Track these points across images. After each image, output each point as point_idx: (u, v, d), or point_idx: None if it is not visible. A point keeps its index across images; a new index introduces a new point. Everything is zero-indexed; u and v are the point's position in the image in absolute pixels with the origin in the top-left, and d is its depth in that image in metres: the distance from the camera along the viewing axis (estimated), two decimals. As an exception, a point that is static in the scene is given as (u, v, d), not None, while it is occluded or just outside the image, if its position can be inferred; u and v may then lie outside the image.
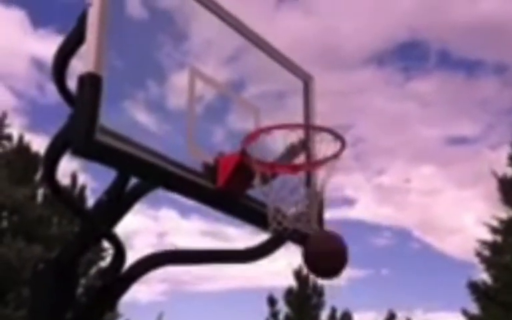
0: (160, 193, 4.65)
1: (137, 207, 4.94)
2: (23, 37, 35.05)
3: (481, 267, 20.69)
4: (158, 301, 34.64)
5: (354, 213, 41.74)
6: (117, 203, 4.82)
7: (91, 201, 19.10)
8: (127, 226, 5.27)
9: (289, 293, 29.26)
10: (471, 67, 43.55)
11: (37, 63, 34.14)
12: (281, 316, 29.00)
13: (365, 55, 43.38)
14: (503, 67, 39.94)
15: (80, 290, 15.18)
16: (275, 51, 5.28)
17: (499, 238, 20.50)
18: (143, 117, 4.33)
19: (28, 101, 35.56)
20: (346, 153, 4.30)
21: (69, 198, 9.26)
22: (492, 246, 20.40)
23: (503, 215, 20.37)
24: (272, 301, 29.04)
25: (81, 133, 3.56)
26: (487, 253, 20.44)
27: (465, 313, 20.69)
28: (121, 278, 4.86)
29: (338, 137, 4.27)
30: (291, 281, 29.48)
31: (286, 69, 5.43)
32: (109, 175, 4.77)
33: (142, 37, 4.41)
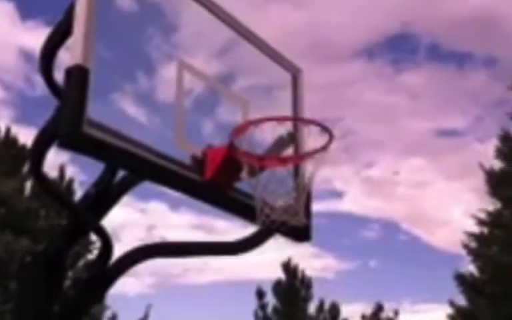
0: (149, 185, 4.64)
1: (126, 200, 4.94)
2: (11, 28, 34.78)
3: (468, 258, 20.87)
4: (146, 293, 34.66)
5: (343, 205, 41.92)
6: (105, 195, 4.81)
7: (79, 194, 19.03)
8: (115, 219, 5.26)
9: (277, 285, 29.36)
10: (460, 60, 43.80)
11: (25, 55, 33.92)
12: (269, 308, 29.12)
13: (355, 47, 43.43)
14: (492, 60, 40.19)
15: (67, 282, 15.14)
16: (263, 43, 5.28)
17: (485, 230, 20.66)
18: (132, 109, 4.32)
19: (16, 93, 35.38)
20: (335, 145, 4.31)
21: (56, 191, 9.21)
22: (479, 238, 20.56)
23: (490, 207, 20.54)
24: (260, 294, 29.14)
25: (68, 125, 3.55)
26: (474, 244, 20.59)
27: (451, 304, 20.85)
28: (109, 270, 4.85)
29: (326, 129, 4.28)
30: (279, 274, 29.61)
31: (275, 62, 5.42)
32: (97, 167, 4.76)
33: (131, 28, 4.39)
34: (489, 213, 20.41)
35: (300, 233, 5.07)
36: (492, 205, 20.53)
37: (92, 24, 3.74)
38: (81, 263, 19.70)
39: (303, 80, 5.64)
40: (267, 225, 4.26)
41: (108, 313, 22.09)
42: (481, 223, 20.49)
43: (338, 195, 43.61)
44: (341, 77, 38.68)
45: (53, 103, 4.07)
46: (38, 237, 17.19)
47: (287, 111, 5.39)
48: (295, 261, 29.77)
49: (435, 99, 40.62)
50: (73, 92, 3.59)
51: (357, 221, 41.66)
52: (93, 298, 5.20)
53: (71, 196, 19.23)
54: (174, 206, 30.43)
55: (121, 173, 4.79)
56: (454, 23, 35.39)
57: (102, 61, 3.90)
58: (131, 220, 30.53)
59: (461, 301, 20.86)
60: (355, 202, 42.10)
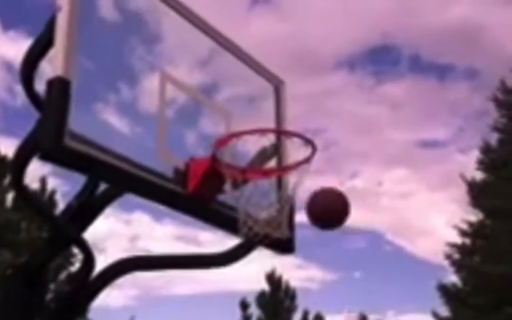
0: (132, 196, 4.61)
1: (109, 211, 4.91)
2: (-8, 38, 34.51)
3: (451, 269, 20.97)
4: (129, 305, 34.41)
5: (326, 217, 41.86)
6: (87, 208, 4.77)
7: (61, 205, 18.89)
8: (98, 230, 5.23)
9: (261, 297, 29.31)
10: (441, 71, 44.19)
11: (7, 65, 33.61)
12: (254, 319, 29.03)
13: (337, 58, 43.71)
14: (473, 72, 40.59)
15: (49, 295, 14.99)
16: (246, 55, 5.28)
17: (467, 241, 20.77)
18: (114, 120, 4.31)
19: (-4, 103, 35.04)
20: (318, 156, 4.32)
21: (37, 203, 9.13)
22: (461, 249, 20.66)
23: (472, 218, 20.66)
24: (244, 305, 29.05)
25: (50, 138, 3.52)
26: (456, 255, 20.69)
27: (435, 315, 20.91)
28: (91, 283, 4.82)
29: (308, 141, 4.28)
30: (263, 285, 29.55)
31: (257, 73, 5.43)
32: (80, 179, 4.74)
33: (113, 39, 4.38)
34: (471, 224, 20.54)
35: (283, 245, 5.06)
36: (474, 215, 20.68)
37: (74, 35, 3.72)
38: (63, 275, 19.52)
39: (286, 91, 5.65)
40: (249, 237, 4.25)
41: (90, 327, 21.94)
42: (463, 233, 20.61)
43: (321, 205, 43.60)
44: (323, 88, 38.82)
45: (34, 113, 4.05)
46: (19, 250, 17.01)
47: (270, 122, 5.39)
48: (279, 272, 29.78)
49: (417, 110, 40.93)
50: (54, 104, 3.56)
51: (340, 232, 41.61)
52: (75, 311, 5.14)
53: (52, 208, 19.08)
54: (157, 217, 30.31)
55: (103, 185, 4.76)
56: (435, 35, 35.69)
57: (84, 72, 3.89)
58: (115, 231, 30.39)
59: (444, 311, 20.95)
60: (338, 213, 42.05)
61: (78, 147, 3.64)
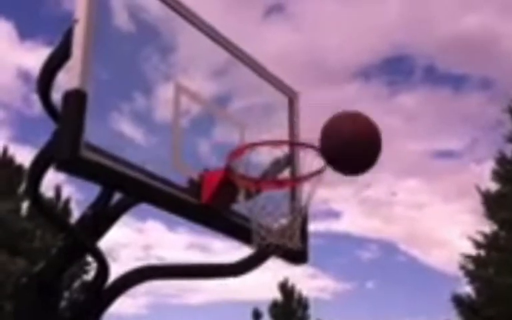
0: (146, 205, 4.65)
1: (123, 219, 4.94)
2: (9, 48, 34.90)
3: (465, 280, 20.83)
4: (142, 313, 34.45)
5: (340, 226, 41.96)
6: (102, 217, 4.81)
7: (76, 213, 19.00)
8: (113, 238, 5.26)
9: (274, 306, 29.23)
10: (456, 82, 44.02)
11: (24, 75, 34.02)
12: (266, 329, 28.96)
13: (351, 69, 43.69)
14: (488, 82, 40.41)
15: (63, 303, 15.06)
16: (260, 66, 5.31)
17: (482, 252, 20.63)
18: (129, 130, 4.34)
19: (13, 112, 35.40)
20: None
21: (52, 213, 9.19)
22: (476, 260, 20.52)
23: (487, 229, 20.53)
24: (257, 314, 28.98)
25: (66, 149, 3.56)
26: (471, 266, 20.56)
27: (448, 325, 20.77)
28: (105, 292, 4.85)
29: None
30: (276, 294, 29.48)
31: (271, 85, 5.45)
32: (94, 187, 4.77)
33: (128, 50, 4.42)
34: (486, 235, 20.39)
35: (297, 255, 5.07)
36: (488, 226, 20.54)
37: (90, 47, 3.77)
38: (77, 283, 19.61)
39: (299, 103, 5.67)
40: (262, 247, 4.26)
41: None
42: (477, 244, 20.47)
43: (336, 215, 43.68)
44: (337, 99, 38.74)
45: (50, 123, 4.10)
46: (34, 258, 17.12)
47: (284, 133, 5.41)
48: (291, 281, 29.71)
49: (431, 120, 40.78)
50: (70, 116, 3.61)
51: (354, 242, 41.57)
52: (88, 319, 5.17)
53: (67, 216, 19.20)
54: (171, 226, 30.43)
55: (118, 195, 4.80)
56: (449, 45, 35.64)
57: (100, 82, 3.93)
58: (129, 239, 30.48)
59: (458, 322, 20.80)
60: (352, 222, 42.12)
61: (93, 157, 3.68)
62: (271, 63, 5.44)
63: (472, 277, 20.49)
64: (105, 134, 4.04)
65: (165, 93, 4.57)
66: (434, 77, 40.70)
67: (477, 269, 20.39)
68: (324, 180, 4.36)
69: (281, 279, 29.68)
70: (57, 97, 4.01)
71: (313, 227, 5.28)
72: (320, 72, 37.42)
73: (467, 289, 20.94)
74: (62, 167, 3.65)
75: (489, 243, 20.28)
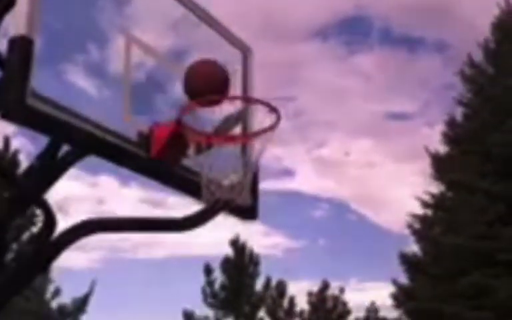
0: (99, 159, 4.59)
1: (75, 173, 4.88)
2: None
3: (412, 239, 21.35)
4: (93, 268, 34.33)
5: (293, 184, 42.37)
6: (49, 169, 4.74)
7: (25, 165, 18.61)
8: (65, 191, 5.20)
9: (226, 262, 29.49)
10: (412, 44, 44.47)
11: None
12: (217, 284, 29.24)
13: (309, 28, 43.61)
14: (443, 45, 40.95)
15: (11, 255, 14.87)
16: (215, 21, 5.25)
17: (429, 212, 21.15)
18: (81, 82, 4.26)
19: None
20: (287, 124, 4.34)
21: None
22: (423, 219, 21.03)
23: (435, 190, 21.01)
24: (208, 270, 29.21)
25: (11, 97, 3.48)
26: (417, 226, 21.06)
27: (395, 282, 21.31)
28: (53, 243, 4.80)
29: (273, 109, 4.30)
30: (227, 250, 29.73)
31: (225, 39, 5.41)
32: (46, 139, 4.68)
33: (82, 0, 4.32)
34: (433, 195, 20.89)
35: (246, 211, 5.11)
36: (436, 187, 21.04)
37: (38, -7, 3.65)
38: (25, 235, 19.36)
39: (254, 59, 5.65)
40: (212, 202, 4.28)
41: (51, 287, 21.83)
42: (425, 204, 20.96)
43: (288, 173, 44.04)
44: (294, 57, 38.80)
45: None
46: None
47: (237, 89, 5.39)
48: (243, 238, 29.96)
49: (387, 81, 41.21)
50: (16, 63, 3.52)
51: (306, 200, 42.09)
52: (34, 271, 5.13)
53: (15, 168, 18.82)
54: (124, 180, 30.12)
55: (66, 146, 4.72)
56: (407, 8, 35.85)
57: (52, 32, 3.84)
58: (81, 193, 30.13)
59: (404, 279, 21.39)
60: (305, 181, 42.57)
61: (40, 106, 3.61)
62: (227, 21, 5.40)
63: (419, 236, 21.02)
64: (55, 84, 3.96)
65: (119, 45, 4.49)
66: (391, 38, 41.09)
67: (423, 228, 20.91)
68: (276, 137, 4.38)
69: (233, 235, 29.94)
70: (3, 46, 3.89)
71: (265, 184, 5.31)
72: (277, 30, 37.26)
73: (414, 248, 21.50)
74: (7, 114, 3.56)
75: (436, 203, 20.79)
